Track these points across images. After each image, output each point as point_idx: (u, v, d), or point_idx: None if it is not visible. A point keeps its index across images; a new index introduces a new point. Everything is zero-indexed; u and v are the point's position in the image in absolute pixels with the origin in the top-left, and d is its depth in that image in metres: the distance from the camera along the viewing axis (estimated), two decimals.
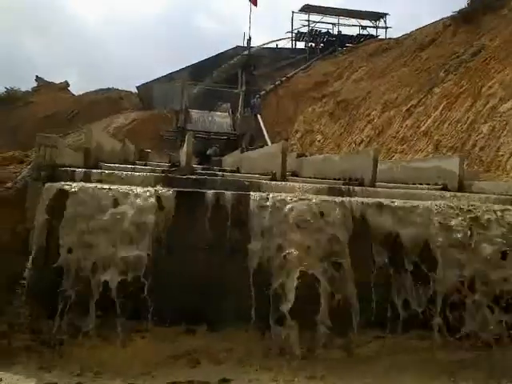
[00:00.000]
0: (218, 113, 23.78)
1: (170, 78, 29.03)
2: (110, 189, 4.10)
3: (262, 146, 16.24)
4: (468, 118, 11.89)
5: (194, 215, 4.14)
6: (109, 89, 35.17)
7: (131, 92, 33.87)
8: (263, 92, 27.17)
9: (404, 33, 24.58)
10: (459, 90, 13.71)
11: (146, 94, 30.35)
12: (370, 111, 18.65)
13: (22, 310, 3.94)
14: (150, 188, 4.20)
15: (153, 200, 4.03)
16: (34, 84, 36.66)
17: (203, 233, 4.09)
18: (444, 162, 6.53)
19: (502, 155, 9.47)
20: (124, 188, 4.14)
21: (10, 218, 4.43)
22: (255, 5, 30.84)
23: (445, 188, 5.90)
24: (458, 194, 5.21)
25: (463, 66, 14.94)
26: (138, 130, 23.14)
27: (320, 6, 35.05)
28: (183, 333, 3.88)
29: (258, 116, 23.94)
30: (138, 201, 4.01)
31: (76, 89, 37.68)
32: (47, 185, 4.23)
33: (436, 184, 6.10)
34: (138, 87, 32.03)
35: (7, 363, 3.54)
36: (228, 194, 4.20)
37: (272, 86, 27.95)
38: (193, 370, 3.60)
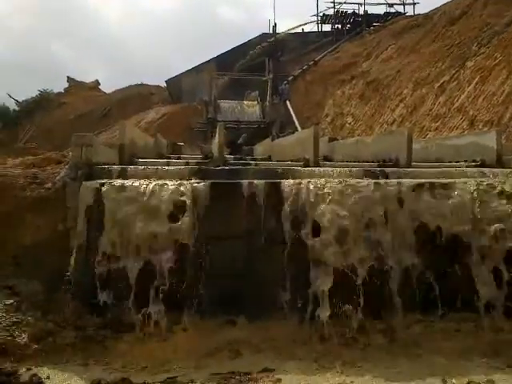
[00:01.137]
0: (247, 102, 23.77)
1: (197, 70, 29.10)
2: (146, 184, 4.16)
3: (292, 133, 16.18)
4: (504, 90, 11.54)
5: (230, 206, 4.16)
6: (138, 85, 35.53)
7: (160, 86, 34.14)
8: (291, 77, 26.97)
9: (433, 7, 23.99)
10: (493, 62, 13.31)
11: (175, 87, 30.52)
12: (401, 90, 18.30)
13: (66, 307, 4.05)
14: (185, 181, 4.24)
15: (189, 193, 4.07)
16: (66, 85, 37.32)
17: (239, 223, 4.12)
18: (481, 138, 6.36)
19: None
20: (160, 182, 4.19)
21: (51, 218, 4.55)
22: None
23: (483, 164, 5.75)
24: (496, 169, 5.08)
25: (496, 37, 14.48)
26: (169, 124, 23.30)
27: None
28: (223, 324, 3.92)
29: (287, 102, 23.81)
30: (174, 194, 4.06)
31: (106, 87, 38.25)
32: (85, 183, 4.33)
33: (474, 161, 5.95)
34: (166, 81, 32.22)
35: (54, 360, 3.62)
36: (262, 182, 4.20)
37: (300, 71, 27.69)
38: (234, 361, 3.63)
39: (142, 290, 3.92)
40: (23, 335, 3.77)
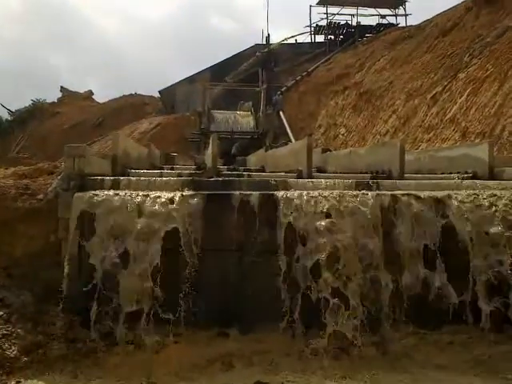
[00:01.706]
0: (241, 112, 23.79)
1: (191, 80, 29.17)
2: (138, 195, 4.14)
3: (286, 143, 16.21)
4: (495, 102, 11.62)
5: (223, 217, 4.15)
6: (132, 95, 35.57)
7: (154, 97, 34.19)
8: (284, 88, 27.07)
9: (425, 19, 24.20)
10: (485, 73, 13.40)
11: (169, 97, 30.58)
12: (393, 101, 18.39)
13: (57, 319, 4.01)
14: (177, 192, 4.23)
15: (181, 204, 4.05)
16: (59, 94, 37.31)
17: (232, 234, 4.11)
18: (473, 149, 6.39)
19: None
20: (152, 194, 4.18)
21: (43, 229, 4.53)
22: None
23: (475, 176, 5.77)
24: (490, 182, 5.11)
25: (488, 49, 14.59)
26: (163, 134, 23.32)
27: None
28: (216, 336, 3.90)
29: (281, 113, 23.88)
30: (167, 206, 4.04)
31: (100, 97, 38.27)
32: (77, 194, 4.31)
33: (466, 172, 5.98)
34: (160, 91, 32.26)
35: (44, 373, 3.58)
36: (255, 194, 4.19)
37: (293, 82, 27.80)
38: (227, 374, 3.60)
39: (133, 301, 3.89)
40: (13, 348, 3.72)
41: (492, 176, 5.71)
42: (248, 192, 4.27)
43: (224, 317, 3.95)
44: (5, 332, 3.84)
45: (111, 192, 4.24)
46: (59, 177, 4.73)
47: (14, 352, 3.69)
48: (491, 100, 11.83)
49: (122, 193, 4.23)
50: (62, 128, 30.64)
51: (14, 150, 29.74)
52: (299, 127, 23.36)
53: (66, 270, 4.12)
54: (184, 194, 4.20)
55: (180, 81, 30.58)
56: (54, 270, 4.24)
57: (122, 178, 4.84)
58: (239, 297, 4.01)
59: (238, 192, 4.25)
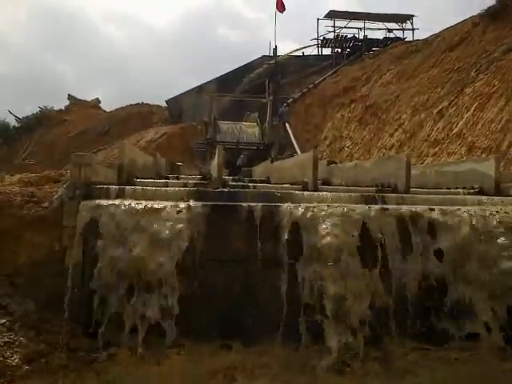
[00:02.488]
0: (247, 123, 23.84)
1: (198, 90, 29.32)
2: (143, 205, 4.14)
3: (291, 155, 16.21)
4: (502, 117, 11.62)
5: (227, 228, 4.14)
6: (138, 104, 35.75)
7: (161, 106, 34.35)
8: (291, 100, 27.16)
9: (431, 33, 24.29)
10: (491, 89, 13.42)
11: (176, 107, 30.72)
12: (399, 115, 18.42)
13: (59, 327, 4.00)
14: (182, 203, 4.23)
15: (186, 215, 4.05)
16: (67, 102, 37.57)
17: (236, 246, 4.09)
18: (479, 165, 6.37)
19: None
20: (157, 204, 4.17)
21: (48, 237, 4.52)
22: (281, 10, 31.10)
23: (481, 192, 5.75)
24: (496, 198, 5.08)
25: (494, 64, 14.63)
26: (169, 144, 23.42)
27: (345, 12, 34.93)
28: (219, 348, 3.88)
29: (287, 124, 23.94)
30: (171, 216, 4.04)
31: (107, 105, 38.51)
32: (83, 203, 4.31)
33: (472, 188, 5.96)
34: (167, 101, 32.41)
35: (45, 382, 3.57)
36: (260, 206, 4.19)
37: (299, 94, 27.90)
38: None
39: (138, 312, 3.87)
40: (15, 356, 3.71)
41: (499, 192, 5.69)
42: (253, 204, 4.26)
43: (227, 329, 3.92)
44: (7, 340, 3.83)
45: (117, 201, 4.24)
46: (65, 185, 4.73)
47: (16, 360, 3.68)
48: (498, 115, 11.83)
49: (127, 202, 4.23)
50: (68, 135, 30.84)
51: (20, 156, 29.90)
52: (305, 139, 23.41)
53: (69, 279, 4.12)
54: (189, 204, 4.19)
55: (187, 91, 30.73)
56: (58, 278, 4.24)
57: (127, 187, 4.84)
58: (242, 309, 3.98)
59: (242, 203, 4.24)
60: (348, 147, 21.00)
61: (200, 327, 3.90)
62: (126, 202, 4.21)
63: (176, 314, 3.90)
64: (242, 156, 19.97)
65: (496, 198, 5.03)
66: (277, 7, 31.08)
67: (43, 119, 35.10)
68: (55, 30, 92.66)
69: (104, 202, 4.22)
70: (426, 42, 23.57)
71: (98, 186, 4.67)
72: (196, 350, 3.84)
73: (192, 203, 4.25)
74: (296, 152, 20.41)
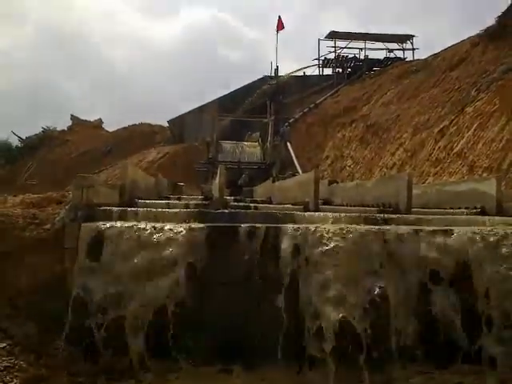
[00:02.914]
0: (248, 143, 23.99)
1: (199, 110, 29.57)
2: (144, 227, 4.14)
3: (293, 174, 16.25)
4: (503, 137, 11.66)
5: (228, 250, 4.13)
6: (141, 124, 35.98)
7: (163, 126, 34.56)
8: (292, 119, 27.33)
9: (431, 53, 24.50)
10: (492, 108, 13.49)
11: (178, 127, 30.92)
12: (400, 134, 18.50)
13: (60, 351, 3.97)
14: (183, 224, 4.23)
15: (186, 236, 4.04)
16: (69, 122, 37.83)
17: (237, 268, 4.08)
18: (480, 184, 6.38)
19: None
20: (158, 225, 4.18)
21: (49, 259, 4.51)
22: (281, 29, 31.52)
23: (483, 211, 5.75)
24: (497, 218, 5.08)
25: (495, 84, 14.73)
26: (171, 163, 23.52)
27: (346, 32, 35.29)
28: (218, 372, 3.84)
29: (288, 144, 24.05)
30: (172, 238, 4.03)
31: (109, 125, 38.74)
32: (84, 225, 4.31)
33: (475, 207, 5.96)
34: (169, 121, 32.63)
35: None
36: (261, 227, 4.18)
37: (301, 114, 28.08)
38: None
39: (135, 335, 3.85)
40: (15, 380, 3.68)
41: (500, 211, 5.69)
42: (254, 225, 4.25)
43: (227, 352, 3.89)
44: (7, 364, 3.80)
45: (118, 223, 4.25)
46: (67, 207, 4.75)
47: None
48: (498, 135, 11.87)
49: (128, 224, 4.23)
50: (71, 156, 31.00)
51: (23, 176, 30.00)
52: (306, 158, 23.49)
53: (70, 302, 4.10)
54: (190, 226, 4.19)
55: (189, 111, 30.98)
56: (59, 300, 4.22)
57: (129, 208, 4.86)
58: (243, 332, 3.95)
59: (244, 225, 4.24)
60: (349, 166, 21.06)
61: (199, 350, 3.87)
62: (128, 224, 4.22)
63: (175, 336, 3.86)
64: (243, 175, 20.05)
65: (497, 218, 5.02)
66: (277, 27, 31.53)
67: (46, 139, 35.31)
68: (58, 50, 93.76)
69: (105, 224, 4.22)
70: (426, 62, 23.78)
71: (99, 208, 4.68)
72: (195, 373, 3.80)
73: (193, 224, 4.25)
74: (297, 171, 20.46)
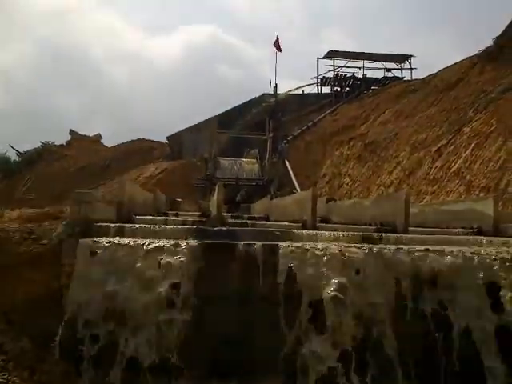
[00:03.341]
0: (246, 159, 24.08)
1: (198, 127, 29.70)
2: (142, 243, 4.14)
3: (290, 191, 16.29)
4: (500, 157, 11.72)
5: (225, 267, 4.12)
6: (140, 139, 36.07)
7: (162, 142, 34.66)
8: (290, 137, 27.46)
9: (429, 73, 24.70)
10: (489, 128, 13.58)
11: (176, 143, 31.03)
12: (398, 153, 18.57)
13: (54, 367, 3.93)
14: (181, 241, 4.22)
15: (184, 254, 4.04)
16: (68, 137, 37.87)
17: (234, 285, 4.07)
18: (478, 204, 6.41)
19: None
20: (155, 242, 4.17)
21: (45, 274, 4.50)
22: (279, 50, 31.86)
23: (480, 231, 5.76)
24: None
25: (492, 104, 14.84)
26: (169, 179, 23.51)
27: (344, 51, 35.60)
28: None
29: (286, 161, 24.13)
30: (170, 255, 4.03)
31: (109, 141, 38.82)
32: (81, 241, 4.31)
33: (472, 227, 5.97)
34: (168, 137, 32.76)
35: None
36: (258, 245, 4.18)
37: (299, 131, 28.23)
38: None
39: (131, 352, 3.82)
40: None
41: (497, 232, 5.70)
42: (251, 242, 4.25)
43: (223, 368, 3.86)
44: (0, 380, 3.76)
45: (115, 239, 4.24)
46: (64, 222, 4.74)
47: None
48: (496, 155, 11.93)
49: (125, 240, 4.23)
50: (69, 170, 30.97)
51: (20, 190, 29.97)
52: (304, 176, 23.53)
53: (65, 317, 4.07)
54: (187, 242, 4.19)
55: (188, 127, 31.12)
56: (55, 316, 4.19)
57: (126, 225, 4.85)
58: (239, 348, 3.93)
59: (241, 242, 4.23)
60: (347, 184, 21.09)
61: (196, 366, 3.84)
62: (124, 241, 4.21)
63: (170, 351, 3.84)
64: (241, 192, 20.08)
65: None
66: (276, 46, 31.89)
67: (44, 154, 35.30)
68: (58, 67, 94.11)
69: (102, 240, 4.21)
70: (424, 81, 23.96)
71: (97, 224, 4.68)
72: None
73: (190, 242, 4.24)
74: (295, 189, 20.52)
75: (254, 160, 23.78)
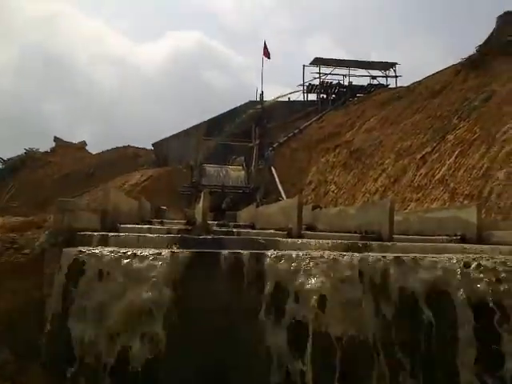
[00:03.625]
0: (233, 166, 24.08)
1: (184, 134, 29.69)
2: (124, 252, 4.09)
3: (277, 199, 16.29)
4: (483, 164, 11.85)
5: (210, 277, 4.09)
6: (125, 146, 35.94)
7: (147, 149, 34.55)
8: (276, 144, 27.53)
9: (414, 81, 24.97)
10: (473, 136, 13.74)
11: (162, 150, 30.96)
12: (383, 160, 18.71)
13: (36, 380, 3.88)
14: (165, 250, 4.19)
15: (168, 263, 4.00)
16: (53, 144, 37.62)
17: (219, 295, 4.04)
18: (461, 212, 6.46)
19: None
20: (139, 251, 4.13)
21: (27, 284, 4.45)
22: (268, 57, 31.99)
23: (464, 239, 5.81)
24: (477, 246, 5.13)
25: (475, 111, 15.03)
26: (154, 187, 23.42)
27: (330, 59, 35.88)
28: None
29: (272, 168, 24.19)
30: (153, 264, 3.99)
31: (91, 147, 38.65)
32: (65, 250, 4.25)
33: (455, 235, 6.02)
34: (153, 144, 32.67)
35: None
36: (243, 254, 4.15)
37: (285, 138, 28.33)
38: None
39: (117, 364, 3.77)
40: None
41: (480, 239, 5.75)
42: (237, 251, 4.22)
43: (208, 381, 3.83)
44: None
45: (98, 249, 4.20)
46: (47, 231, 4.69)
47: None
48: (479, 162, 12.06)
49: (109, 249, 4.18)
50: (53, 178, 30.73)
51: (4, 198, 29.64)
52: (290, 183, 23.59)
53: (47, 328, 4.01)
54: (172, 251, 4.15)
55: (173, 134, 31.09)
56: (37, 327, 4.14)
57: (110, 234, 4.81)
58: (225, 360, 3.90)
59: (226, 251, 4.21)
60: (333, 191, 21.18)
61: (179, 379, 3.80)
62: (107, 250, 4.16)
63: (154, 364, 3.79)
64: (227, 199, 20.06)
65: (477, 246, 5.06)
66: (264, 54, 31.99)
67: (28, 161, 35.05)
68: (43, 74, 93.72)
69: (85, 250, 4.16)
70: (409, 89, 24.20)
71: (81, 233, 4.63)
72: None
73: (175, 250, 4.21)
74: (281, 196, 20.55)
75: (240, 167, 23.79)
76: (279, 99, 34.58)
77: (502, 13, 20.11)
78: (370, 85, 36.09)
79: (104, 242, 4.55)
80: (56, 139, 38.09)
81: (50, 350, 3.90)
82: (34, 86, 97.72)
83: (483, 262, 3.60)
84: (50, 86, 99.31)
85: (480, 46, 19.64)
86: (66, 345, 3.80)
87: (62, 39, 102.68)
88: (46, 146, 37.68)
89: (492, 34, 19.82)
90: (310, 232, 6.67)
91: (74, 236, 4.56)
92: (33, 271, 4.45)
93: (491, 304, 3.37)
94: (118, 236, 4.72)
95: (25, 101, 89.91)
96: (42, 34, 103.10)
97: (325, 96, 35.49)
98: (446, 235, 6.10)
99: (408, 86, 25.14)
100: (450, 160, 13.83)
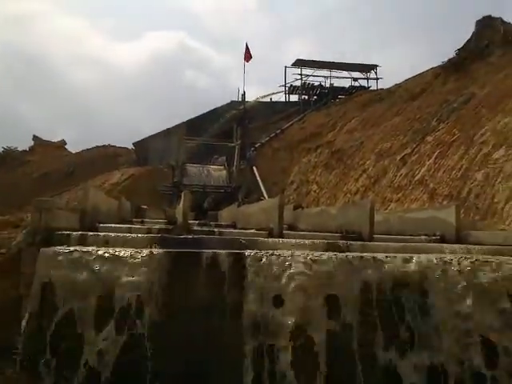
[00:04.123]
0: (214, 166, 24.05)
1: (165, 133, 29.56)
2: (103, 252, 4.04)
3: (259, 198, 16.30)
4: (462, 165, 11.99)
5: (190, 277, 4.07)
6: (105, 146, 35.66)
7: (128, 148, 34.32)
8: (258, 144, 27.57)
9: (395, 83, 25.21)
10: (452, 137, 13.89)
11: (143, 149, 30.77)
12: (364, 160, 18.83)
13: (13, 379, 3.82)
14: (145, 250, 4.15)
15: (148, 263, 3.97)
16: (31, 143, 37.18)
17: (199, 295, 4.01)
18: (440, 212, 6.52)
19: (498, 202, 9.49)
20: (118, 251, 4.08)
21: (4, 284, 4.38)
22: (247, 61, 31.96)
23: (443, 239, 5.87)
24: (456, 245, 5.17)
25: (454, 114, 15.20)
26: (135, 186, 23.24)
27: (312, 60, 36.03)
28: None
29: (254, 168, 24.21)
30: (132, 264, 3.95)
31: (73, 147, 38.27)
32: (42, 250, 4.19)
33: (434, 235, 6.08)
34: (134, 143, 32.46)
35: None
36: (224, 254, 4.13)
37: (267, 139, 28.38)
38: None
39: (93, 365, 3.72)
40: None
41: (459, 239, 5.81)
42: (217, 251, 4.20)
43: (189, 381, 3.80)
44: None
45: (77, 248, 4.14)
46: (24, 231, 4.62)
47: None
48: (458, 163, 12.20)
49: (87, 249, 4.13)
50: (32, 177, 30.35)
51: None
52: (272, 183, 23.63)
53: (24, 327, 3.95)
54: (151, 251, 4.12)
55: (154, 134, 30.94)
56: (14, 326, 4.07)
57: (89, 233, 4.75)
58: (206, 360, 3.87)
59: (206, 251, 4.18)
60: (314, 191, 21.26)
61: (160, 379, 3.77)
62: (87, 249, 4.11)
63: (134, 363, 3.75)
64: (208, 199, 20.04)
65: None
66: (245, 58, 31.94)
67: (6, 159, 34.57)
68: (21, 73, 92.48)
69: (63, 249, 4.10)
70: (390, 91, 24.42)
71: (59, 232, 4.57)
72: None
73: (154, 250, 4.17)
74: (263, 195, 20.57)
75: (222, 167, 23.79)
76: (261, 100, 34.68)
77: (480, 17, 20.46)
78: (351, 86, 36.38)
79: (83, 241, 4.49)
80: (35, 138, 37.62)
81: (26, 349, 3.83)
82: (11, 86, 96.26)
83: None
84: (29, 85, 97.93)
85: (459, 49, 19.91)
86: (42, 344, 3.75)
87: (40, 38, 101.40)
88: (24, 145, 37.24)
89: (471, 37, 20.12)
90: (291, 232, 6.68)
91: (51, 235, 4.49)
92: (9, 271, 4.39)
93: None
94: (98, 235, 4.67)
95: (2, 100, 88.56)
96: (19, 33, 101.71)
97: (306, 97, 35.68)
98: (425, 235, 6.15)
99: (389, 88, 25.38)
100: (430, 161, 13.97)
